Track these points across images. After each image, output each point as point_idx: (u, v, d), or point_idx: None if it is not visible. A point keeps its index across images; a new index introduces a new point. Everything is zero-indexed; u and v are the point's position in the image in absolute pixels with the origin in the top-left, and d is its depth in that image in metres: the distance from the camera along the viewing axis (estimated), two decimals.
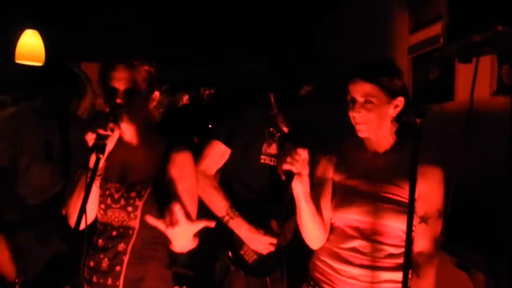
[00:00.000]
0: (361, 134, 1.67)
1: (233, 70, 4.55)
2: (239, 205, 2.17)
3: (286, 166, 1.52)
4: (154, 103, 1.74)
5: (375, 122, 1.62)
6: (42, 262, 2.43)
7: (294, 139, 2.25)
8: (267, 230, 2.17)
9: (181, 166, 1.72)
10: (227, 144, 2.19)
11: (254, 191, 2.23)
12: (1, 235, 2.42)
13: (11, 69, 3.45)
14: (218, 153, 2.19)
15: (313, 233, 1.71)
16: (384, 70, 1.62)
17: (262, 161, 2.20)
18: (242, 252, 2.20)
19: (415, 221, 1.62)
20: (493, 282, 1.84)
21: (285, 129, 2.24)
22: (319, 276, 1.72)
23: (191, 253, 2.49)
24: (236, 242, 2.19)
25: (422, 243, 1.62)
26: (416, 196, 1.53)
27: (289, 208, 2.22)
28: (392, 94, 1.61)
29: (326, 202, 1.74)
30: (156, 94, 1.73)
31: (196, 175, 1.80)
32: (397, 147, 1.69)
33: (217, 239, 2.20)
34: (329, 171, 1.76)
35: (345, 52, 3.45)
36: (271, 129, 2.22)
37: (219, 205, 2.15)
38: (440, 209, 1.63)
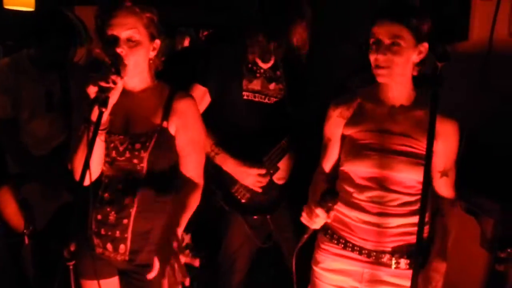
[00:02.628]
0: (381, 79, 1.59)
1: (235, 11, 4.36)
2: (229, 143, 2.16)
3: (302, 219, 1.59)
4: (156, 52, 1.66)
5: (399, 67, 1.55)
6: (49, 212, 2.43)
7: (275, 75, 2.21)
8: (254, 162, 2.16)
9: (183, 115, 1.67)
10: (203, 83, 2.16)
11: (242, 128, 2.19)
12: (7, 187, 2.42)
13: (2, 16, 3.30)
14: (198, 95, 2.14)
15: None
16: (413, 11, 1.54)
17: (245, 97, 2.17)
18: (233, 190, 2.20)
19: (435, 175, 1.63)
20: (502, 227, 1.85)
21: (264, 65, 2.20)
22: (335, 224, 1.72)
23: None
24: (227, 181, 2.18)
25: (445, 192, 1.68)
26: (436, 152, 1.54)
27: (284, 146, 2.22)
28: (419, 38, 1.53)
29: (329, 160, 1.77)
30: (157, 42, 1.65)
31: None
32: (417, 101, 1.63)
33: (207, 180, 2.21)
34: (338, 127, 1.72)
35: None
36: (250, 65, 2.18)
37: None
38: (456, 158, 1.64)
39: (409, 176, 1.59)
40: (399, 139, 1.60)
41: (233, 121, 2.20)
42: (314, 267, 1.77)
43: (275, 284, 2.75)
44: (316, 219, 1.53)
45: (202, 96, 2.16)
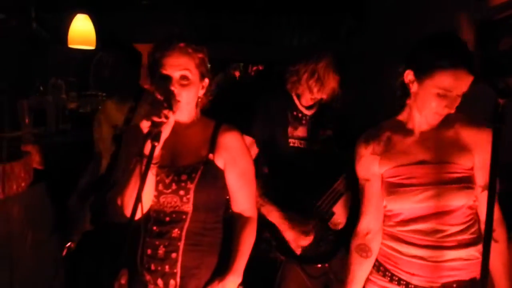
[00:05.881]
0: (435, 122, 1.58)
1: (284, 46, 4.42)
2: (279, 192, 2.14)
3: None
4: (204, 90, 1.70)
5: None
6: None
7: (320, 121, 2.22)
8: (297, 218, 2.12)
9: (230, 149, 1.69)
10: (248, 133, 2.16)
11: (292, 175, 2.17)
12: None
13: (65, 54, 3.52)
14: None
15: None
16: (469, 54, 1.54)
17: (291, 144, 2.17)
18: None
19: (477, 190, 1.56)
20: None
21: (308, 112, 2.21)
22: (383, 258, 1.67)
23: None
24: (279, 230, 2.14)
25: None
26: (475, 166, 1.53)
27: (337, 189, 2.18)
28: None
29: (378, 199, 1.66)
30: (206, 81, 1.70)
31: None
32: (444, 120, 1.58)
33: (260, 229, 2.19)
34: (374, 165, 1.65)
35: (401, 19, 3.24)
36: (295, 113, 2.19)
37: None
38: None
39: (459, 203, 1.54)
40: (440, 167, 1.55)
41: (282, 169, 2.19)
42: None
43: None
44: None
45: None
